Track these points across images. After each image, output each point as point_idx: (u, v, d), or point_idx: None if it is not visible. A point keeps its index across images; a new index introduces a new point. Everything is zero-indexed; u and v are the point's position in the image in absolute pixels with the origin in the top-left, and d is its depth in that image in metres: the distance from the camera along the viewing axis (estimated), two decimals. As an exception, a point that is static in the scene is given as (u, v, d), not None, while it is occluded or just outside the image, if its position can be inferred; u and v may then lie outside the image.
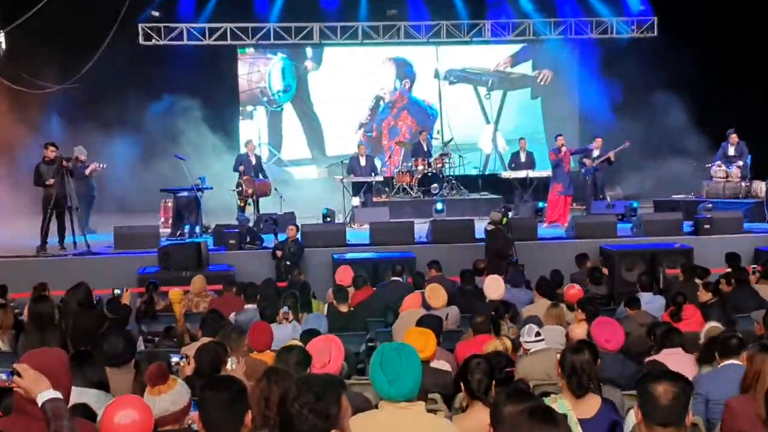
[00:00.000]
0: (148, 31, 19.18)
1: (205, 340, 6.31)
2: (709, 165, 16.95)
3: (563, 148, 15.70)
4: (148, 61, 18.84)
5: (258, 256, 13.18)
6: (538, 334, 6.38)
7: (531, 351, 6.31)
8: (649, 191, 18.10)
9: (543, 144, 20.19)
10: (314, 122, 20.78)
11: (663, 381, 3.04)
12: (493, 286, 8.80)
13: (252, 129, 20.40)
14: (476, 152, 20.56)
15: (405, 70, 21.06)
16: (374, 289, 9.93)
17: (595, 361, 4.70)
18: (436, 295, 8.45)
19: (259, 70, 20.63)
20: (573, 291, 8.96)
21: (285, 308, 7.95)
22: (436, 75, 20.97)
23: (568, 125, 19.92)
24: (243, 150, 17.37)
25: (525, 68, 21.23)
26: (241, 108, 20.55)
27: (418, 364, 3.69)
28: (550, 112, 21.07)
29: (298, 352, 4.78)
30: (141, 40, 19.08)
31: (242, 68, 20.50)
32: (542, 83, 21.13)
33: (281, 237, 13.19)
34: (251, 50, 20.47)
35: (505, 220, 12.28)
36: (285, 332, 7.47)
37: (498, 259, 11.71)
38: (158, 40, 19.20)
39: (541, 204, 16.41)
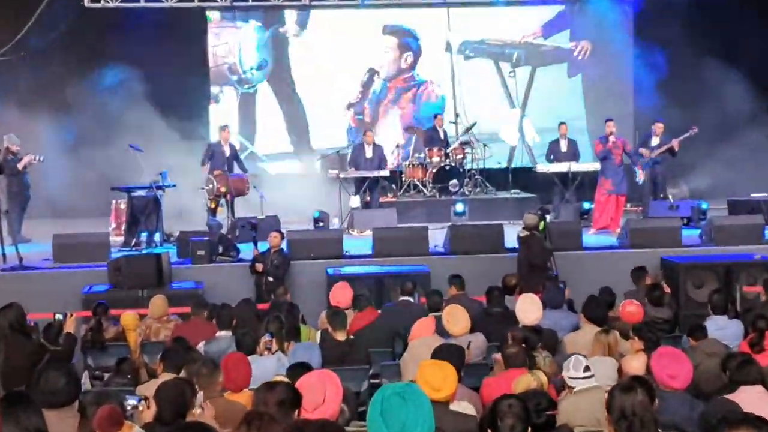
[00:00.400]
0: (96, -10, 19.20)
1: (168, 376, 6.32)
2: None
3: (612, 137, 15.65)
4: (96, 28, 18.86)
5: (233, 270, 13.19)
6: (587, 368, 6.36)
7: (576, 389, 6.30)
8: (722, 188, 18.04)
9: (584, 133, 20.17)
10: (296, 107, 20.68)
11: (743, 427, 3.04)
12: (528, 308, 8.77)
13: (219, 115, 20.15)
14: (498, 144, 20.37)
15: (405, 42, 20.85)
16: (379, 311, 9.93)
17: (651, 401, 4.69)
18: (457, 318, 8.44)
19: (226, 42, 20.48)
20: (631, 309, 8.91)
21: (267, 336, 7.96)
22: (448, 48, 20.83)
23: (617, 109, 19.82)
24: (215, 137, 17.33)
25: (560, 39, 21.09)
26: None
27: (428, 411, 3.66)
28: (593, 93, 20.93)
29: (283, 389, 4.78)
30: (87, 2, 19.09)
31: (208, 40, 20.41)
32: (581, 57, 21.04)
33: (262, 246, 13.19)
34: (216, 17, 20.39)
35: (542, 224, 12.27)
36: (267, 366, 7.48)
37: (533, 274, 11.70)
38: (108, 2, 19.21)
39: (586, 205, 16.39)
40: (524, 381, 6.36)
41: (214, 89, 20.47)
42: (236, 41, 20.52)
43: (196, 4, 19.65)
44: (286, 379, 5.53)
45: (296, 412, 4.64)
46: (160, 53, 18.69)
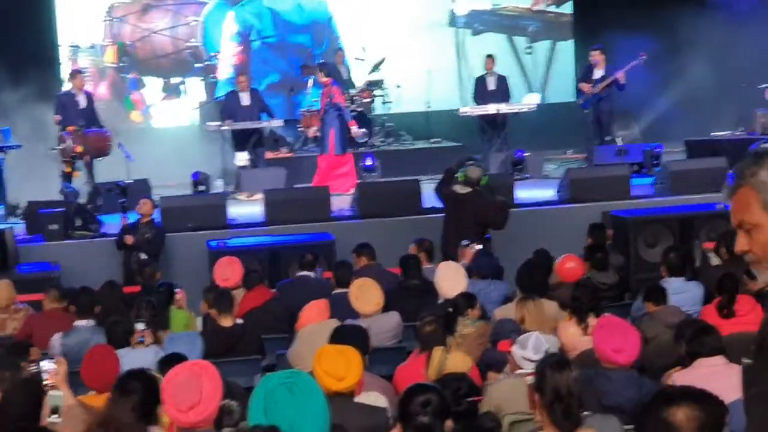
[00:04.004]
0: None
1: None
2: (766, 86, 17.24)
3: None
4: None
5: (95, 247, 13.18)
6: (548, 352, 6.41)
7: (519, 372, 6.38)
8: (679, 128, 18.26)
9: None
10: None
11: (682, 404, 3.12)
12: (449, 278, 8.85)
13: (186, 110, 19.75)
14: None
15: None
16: (273, 290, 9.96)
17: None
18: (368, 295, 8.52)
19: (187, 21, 19.84)
20: (571, 264, 9.00)
21: (140, 325, 7.96)
22: (453, 21, 20.63)
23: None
24: (67, 86, 17.05)
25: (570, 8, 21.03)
26: (163, 81, 19.92)
27: (321, 405, 3.72)
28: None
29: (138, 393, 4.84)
30: None
31: (162, 20, 19.76)
32: None
33: (131, 217, 13.13)
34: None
35: (485, 178, 12.17)
36: (143, 361, 7.44)
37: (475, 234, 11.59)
38: None
39: (520, 153, 16.45)
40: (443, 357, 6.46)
41: (173, 80, 20.05)
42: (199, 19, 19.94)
43: None
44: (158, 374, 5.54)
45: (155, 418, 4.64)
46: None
